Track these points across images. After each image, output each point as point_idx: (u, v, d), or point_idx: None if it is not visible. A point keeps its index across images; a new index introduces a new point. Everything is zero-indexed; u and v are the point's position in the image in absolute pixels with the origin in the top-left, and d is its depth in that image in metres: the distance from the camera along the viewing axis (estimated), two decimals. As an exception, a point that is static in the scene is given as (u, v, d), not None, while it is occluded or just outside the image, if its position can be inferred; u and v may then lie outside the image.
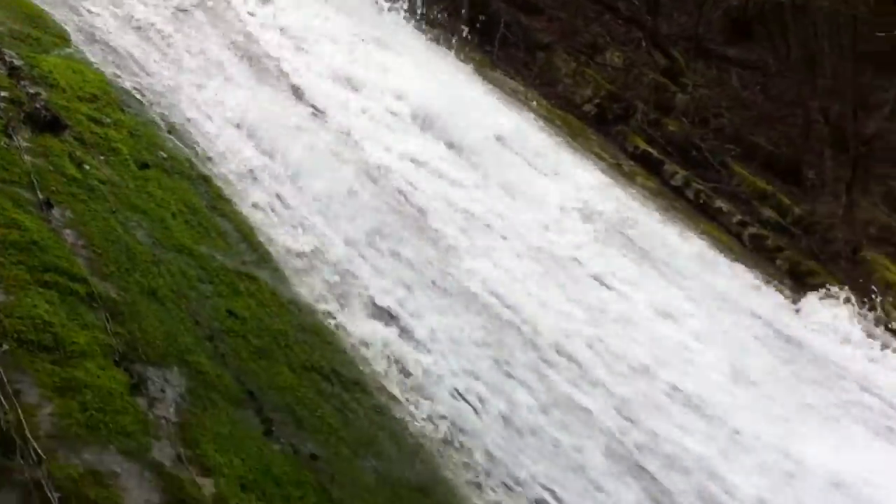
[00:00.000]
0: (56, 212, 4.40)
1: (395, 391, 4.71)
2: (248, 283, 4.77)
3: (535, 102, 11.00)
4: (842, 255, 9.98)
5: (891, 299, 9.10)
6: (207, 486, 3.35)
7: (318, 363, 4.54)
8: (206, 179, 5.56)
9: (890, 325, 8.76)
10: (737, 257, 9.37)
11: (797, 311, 8.77)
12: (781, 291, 9.08)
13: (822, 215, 10.65)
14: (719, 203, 10.77)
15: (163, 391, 3.70)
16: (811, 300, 9.01)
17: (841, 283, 9.23)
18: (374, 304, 5.35)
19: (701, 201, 10.81)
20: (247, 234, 5.23)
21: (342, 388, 4.50)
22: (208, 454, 3.50)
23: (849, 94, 11.80)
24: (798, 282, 9.50)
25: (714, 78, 13.74)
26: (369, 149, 7.16)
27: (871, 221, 10.87)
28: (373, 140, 7.29)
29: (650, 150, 11.50)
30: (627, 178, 10.64)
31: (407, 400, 4.71)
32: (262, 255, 5.16)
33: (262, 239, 5.29)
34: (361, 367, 4.81)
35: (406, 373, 4.91)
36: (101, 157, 5.17)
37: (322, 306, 5.09)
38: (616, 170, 10.66)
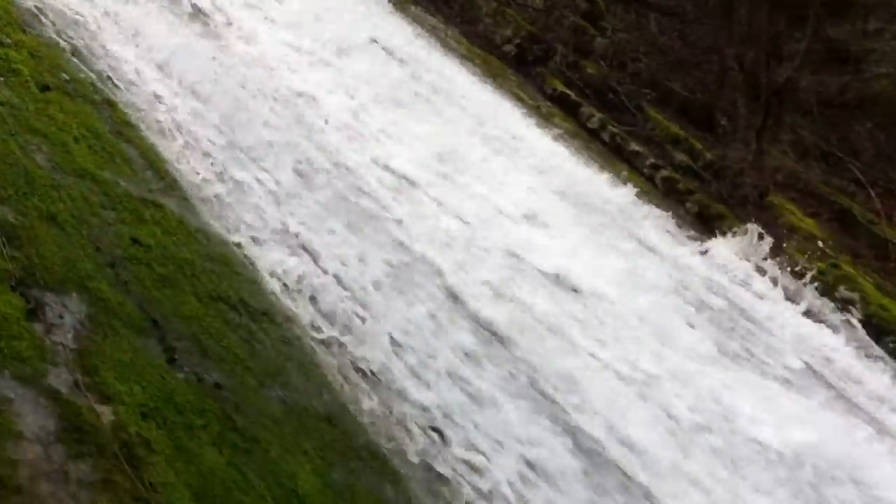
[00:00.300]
0: (-50, 132, 4.22)
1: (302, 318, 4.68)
2: (153, 210, 4.65)
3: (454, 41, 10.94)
4: (750, 199, 10.18)
5: (794, 243, 9.34)
6: (106, 413, 3.28)
7: (225, 293, 4.47)
8: (110, 104, 5.38)
9: (792, 268, 9.00)
10: (648, 199, 9.49)
11: (703, 252, 8.94)
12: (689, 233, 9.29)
13: (733, 161, 10.82)
14: (634, 146, 10.87)
15: (61, 317, 3.59)
16: (717, 242, 9.20)
17: (748, 227, 9.43)
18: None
19: (616, 144, 10.91)
20: (153, 162, 5.09)
21: (250, 318, 4.44)
22: (108, 381, 3.42)
23: (763, 42, 11.95)
24: (706, 224, 9.69)
25: (633, 22, 13.79)
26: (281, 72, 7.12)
27: (780, 168, 11.11)
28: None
29: (568, 92, 11.54)
30: (545, 118, 10.67)
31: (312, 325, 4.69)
32: (170, 183, 5.04)
33: (168, 167, 5.17)
34: (271, 298, 4.76)
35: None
36: (0, 79, 4.97)
37: (232, 236, 5.01)
38: (534, 111, 10.67)
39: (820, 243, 9.69)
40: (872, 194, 11.37)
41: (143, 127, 5.41)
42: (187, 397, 3.63)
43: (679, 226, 9.26)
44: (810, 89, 12.50)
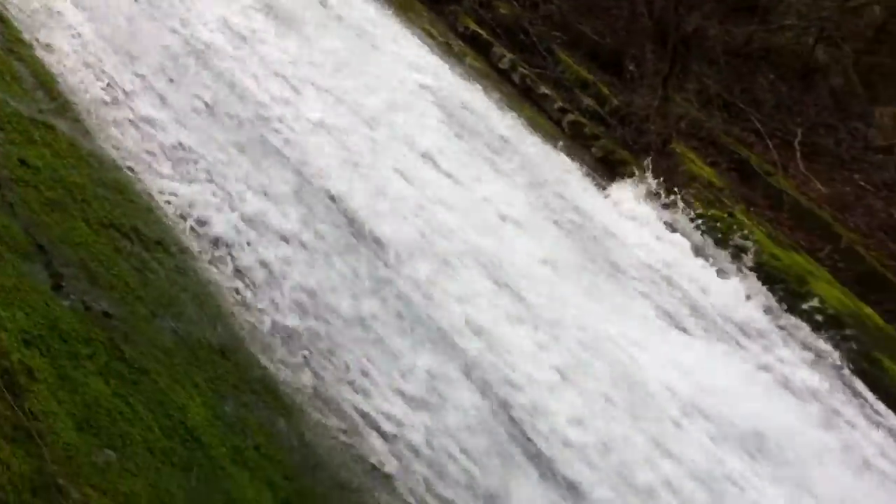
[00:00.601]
0: None
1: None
2: (43, 132, 4.49)
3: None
4: (653, 146, 10.33)
5: (693, 190, 9.53)
6: (-14, 339, 3.19)
7: (118, 220, 4.35)
8: (2, 20, 5.15)
9: (690, 214, 9.20)
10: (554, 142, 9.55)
11: (605, 196, 9.07)
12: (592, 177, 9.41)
13: (639, 107, 10.93)
14: (543, 89, 10.89)
15: (-59, 239, 3.46)
16: (619, 187, 9.35)
17: (649, 173, 9.58)
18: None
19: (526, 86, 10.92)
20: (45, 81, 4.90)
21: (142, 247, 4.34)
22: (-11, 307, 3.32)
23: (673, -11, 12.04)
24: (610, 170, 9.83)
25: (546, -37, 13.71)
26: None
27: (683, 116, 11.26)
28: None
29: (480, 31, 11.47)
30: (456, 57, 10.60)
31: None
32: (62, 105, 4.86)
33: (62, 87, 4.98)
34: (165, 227, 4.65)
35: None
36: None
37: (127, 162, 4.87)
38: (445, 48, 10.59)
39: (718, 192, 9.90)
40: (770, 145, 11.64)
41: (35, 45, 5.19)
42: (73, 325, 3.54)
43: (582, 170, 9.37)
44: (717, 38, 12.68)
